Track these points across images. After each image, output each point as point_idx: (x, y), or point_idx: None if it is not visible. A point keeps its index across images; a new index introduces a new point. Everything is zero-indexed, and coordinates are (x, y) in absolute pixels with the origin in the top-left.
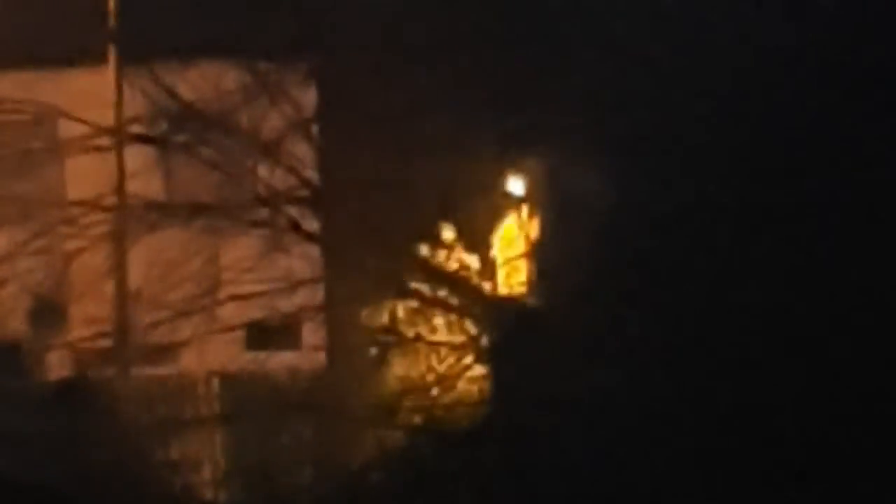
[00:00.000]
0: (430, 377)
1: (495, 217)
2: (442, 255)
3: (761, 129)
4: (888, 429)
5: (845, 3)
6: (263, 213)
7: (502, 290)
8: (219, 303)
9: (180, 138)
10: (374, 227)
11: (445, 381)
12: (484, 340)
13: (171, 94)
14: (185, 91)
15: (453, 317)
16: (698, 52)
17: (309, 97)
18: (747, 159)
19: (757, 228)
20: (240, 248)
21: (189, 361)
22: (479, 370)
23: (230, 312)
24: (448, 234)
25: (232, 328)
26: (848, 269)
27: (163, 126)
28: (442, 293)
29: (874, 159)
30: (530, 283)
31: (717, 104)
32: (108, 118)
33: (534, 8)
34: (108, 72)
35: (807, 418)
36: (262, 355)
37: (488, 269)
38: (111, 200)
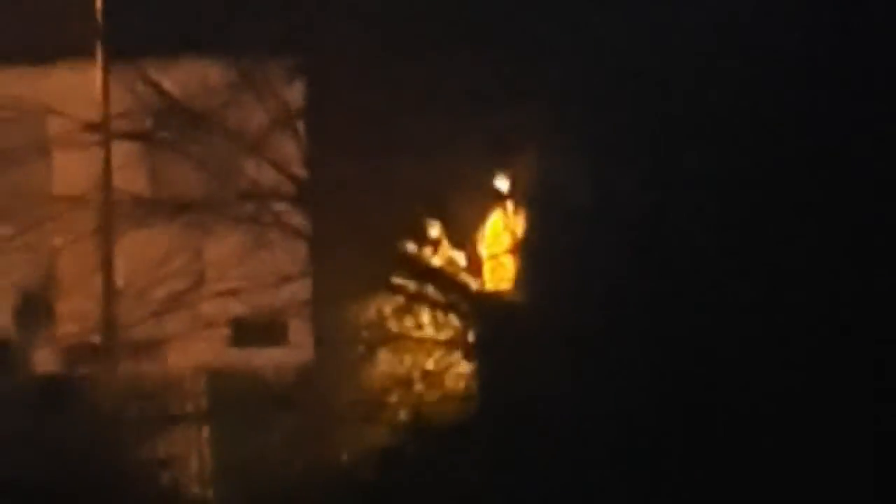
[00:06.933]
0: (416, 373)
1: (481, 213)
2: (428, 251)
3: (743, 126)
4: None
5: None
6: (249, 209)
7: (488, 286)
8: (204, 299)
9: (166, 135)
10: (360, 224)
11: (431, 377)
12: (470, 336)
13: (158, 90)
14: (171, 87)
15: (439, 313)
16: (680, 51)
17: (295, 94)
18: (730, 156)
19: (740, 224)
20: (225, 245)
21: (175, 358)
22: (465, 366)
23: (216, 309)
24: (434, 230)
25: (217, 324)
26: (837, 267)
27: (149, 122)
28: (428, 289)
29: (863, 157)
30: (516, 280)
31: (700, 102)
32: (94, 114)
33: (519, 8)
34: (96, 68)
35: (797, 416)
36: (247, 351)
37: (474, 265)
38: (97, 196)
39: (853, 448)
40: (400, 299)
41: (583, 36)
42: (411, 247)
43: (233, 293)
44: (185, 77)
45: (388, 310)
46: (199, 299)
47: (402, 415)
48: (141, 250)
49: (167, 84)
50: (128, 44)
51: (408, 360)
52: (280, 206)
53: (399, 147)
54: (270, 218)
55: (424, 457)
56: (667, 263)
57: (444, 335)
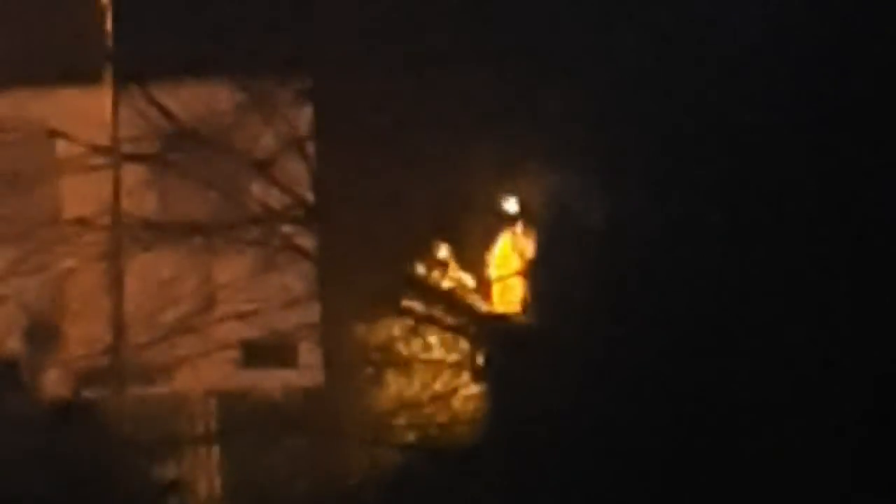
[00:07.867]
0: (425, 395)
1: (490, 235)
2: (437, 273)
3: (756, 142)
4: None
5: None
6: (258, 231)
7: (497, 308)
8: (214, 321)
9: (175, 157)
10: (368, 246)
11: (440, 399)
12: (478, 358)
13: (166, 113)
14: (180, 110)
15: (448, 335)
16: (690, 68)
17: (303, 116)
18: (742, 173)
19: (752, 242)
20: (234, 267)
21: (185, 380)
22: (474, 388)
23: (225, 331)
24: (443, 252)
25: (227, 346)
26: (840, 281)
27: (157, 145)
28: (437, 311)
29: (871, 172)
30: (525, 301)
31: (710, 120)
32: (103, 137)
33: (528, 26)
34: (104, 91)
35: (811, 429)
36: (257, 373)
37: (483, 287)
38: (106, 219)
39: (857, 454)
40: (409, 321)
41: (591, 55)
42: (420, 269)
43: (242, 316)
44: (194, 100)
45: (396, 332)
46: (209, 322)
47: (411, 437)
48: (150, 273)
49: (176, 107)
50: (136, 67)
51: (417, 382)
52: (289, 229)
53: (407, 169)
54: (279, 240)
55: (433, 479)
56: (678, 284)
57: (453, 357)
